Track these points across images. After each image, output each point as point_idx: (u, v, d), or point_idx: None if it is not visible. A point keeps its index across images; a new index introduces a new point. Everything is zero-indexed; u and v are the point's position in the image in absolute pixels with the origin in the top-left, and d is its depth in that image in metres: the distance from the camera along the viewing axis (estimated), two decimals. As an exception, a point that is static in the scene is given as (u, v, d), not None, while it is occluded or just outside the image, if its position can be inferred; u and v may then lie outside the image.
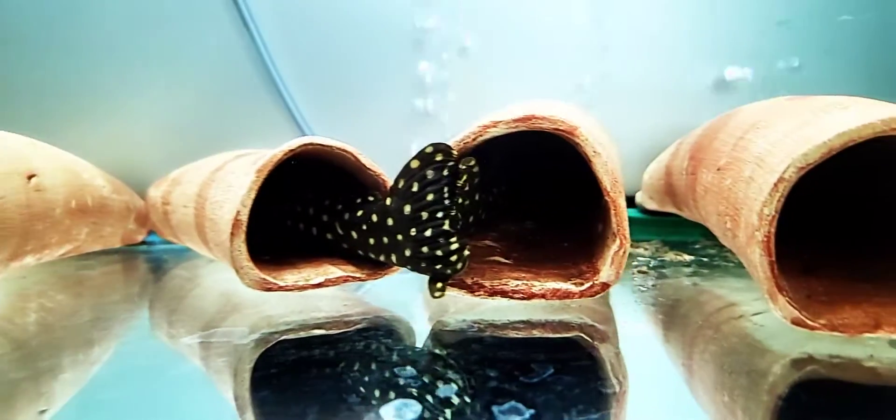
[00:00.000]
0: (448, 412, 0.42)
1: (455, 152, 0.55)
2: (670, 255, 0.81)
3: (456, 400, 0.44)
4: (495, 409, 0.42)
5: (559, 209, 0.78)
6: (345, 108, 0.98)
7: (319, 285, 0.60)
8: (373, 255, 0.60)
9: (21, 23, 0.94)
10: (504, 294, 0.58)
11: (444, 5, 0.97)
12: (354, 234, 0.60)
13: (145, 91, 0.97)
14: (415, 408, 0.42)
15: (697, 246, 0.86)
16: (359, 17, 0.96)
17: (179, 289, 0.76)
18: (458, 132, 0.58)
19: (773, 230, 0.48)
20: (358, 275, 0.61)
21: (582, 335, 0.57)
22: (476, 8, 0.97)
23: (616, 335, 0.58)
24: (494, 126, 0.56)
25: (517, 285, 0.58)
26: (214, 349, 0.58)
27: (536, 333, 0.56)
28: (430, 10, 0.97)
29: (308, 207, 0.64)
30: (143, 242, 0.89)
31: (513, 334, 0.56)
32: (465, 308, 0.63)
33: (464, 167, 0.56)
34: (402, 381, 0.47)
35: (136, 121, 0.97)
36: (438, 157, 0.54)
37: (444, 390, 0.45)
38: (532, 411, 0.42)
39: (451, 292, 0.59)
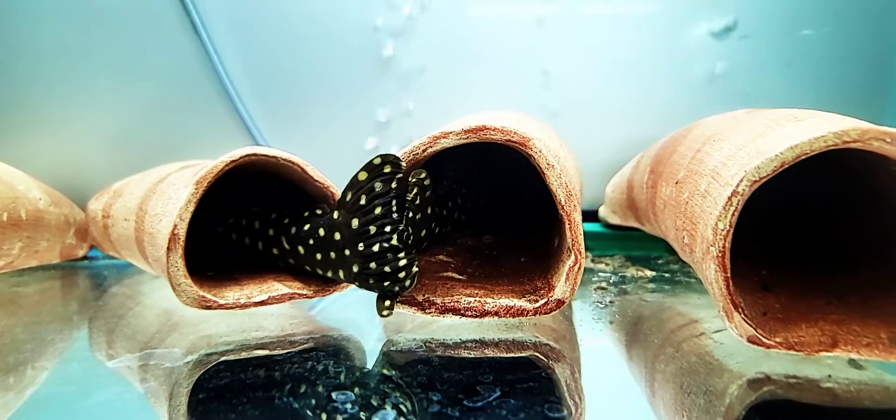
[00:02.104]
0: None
1: (404, 164, 0.53)
2: (632, 271, 0.80)
3: (399, 425, 0.42)
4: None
5: (519, 223, 0.76)
6: (300, 115, 0.96)
7: (263, 303, 0.57)
8: (320, 271, 0.58)
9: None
10: (456, 311, 0.56)
11: (401, 17, 0.95)
12: (301, 249, 0.58)
13: (89, 97, 0.93)
14: None
15: (660, 261, 0.85)
16: (314, 24, 0.93)
17: (119, 307, 0.72)
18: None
19: (727, 245, 0.47)
20: (305, 292, 0.59)
21: (536, 354, 0.55)
22: (433, 26, 0.96)
23: (573, 354, 0.57)
24: (445, 137, 0.54)
25: (469, 302, 0.56)
26: (151, 371, 0.55)
27: (488, 353, 0.54)
28: (389, 21, 0.95)
29: (253, 221, 0.61)
30: (85, 258, 0.86)
31: (464, 354, 0.54)
32: (419, 326, 0.61)
33: (414, 180, 0.54)
34: (341, 406, 0.45)
35: (80, 129, 0.93)
36: (386, 169, 0.53)
37: (383, 415, 0.43)
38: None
39: (402, 310, 0.57)
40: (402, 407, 0.45)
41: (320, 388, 0.48)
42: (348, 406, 0.44)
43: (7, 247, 0.69)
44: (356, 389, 0.47)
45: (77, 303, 0.76)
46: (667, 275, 0.79)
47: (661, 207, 0.66)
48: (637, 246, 0.92)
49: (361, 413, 0.43)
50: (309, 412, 0.44)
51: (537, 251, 0.67)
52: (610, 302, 0.68)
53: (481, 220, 0.76)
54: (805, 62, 0.97)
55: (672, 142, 0.71)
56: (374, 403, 0.45)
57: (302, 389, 0.48)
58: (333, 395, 0.46)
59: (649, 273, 0.79)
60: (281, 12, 0.92)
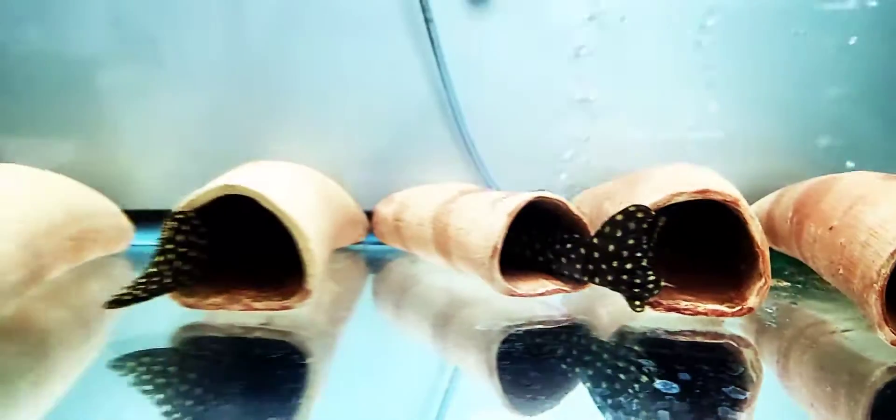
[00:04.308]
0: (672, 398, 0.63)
1: (653, 211, 0.75)
2: (773, 282, 0.99)
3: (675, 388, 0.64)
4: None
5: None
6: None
7: (543, 294, 0.80)
8: (577, 277, 0.80)
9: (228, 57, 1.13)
10: (677, 310, 0.77)
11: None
12: (563, 260, 0.81)
13: (344, 114, 1.15)
14: (671, 387, 0.63)
15: (787, 273, 1.05)
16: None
17: (400, 283, 0.97)
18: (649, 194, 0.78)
19: (885, 283, 0.68)
20: (565, 288, 0.82)
21: (730, 342, 0.77)
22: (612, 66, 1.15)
23: (749, 343, 0.78)
24: (679, 196, 0.75)
25: (686, 305, 0.77)
26: (454, 337, 0.79)
27: (699, 339, 0.76)
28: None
29: (534, 241, 0.84)
30: (359, 243, 1.11)
31: (684, 340, 0.76)
32: (629, 317, 0.81)
33: (660, 222, 0.76)
34: (641, 371, 0.67)
35: (343, 144, 1.16)
36: (639, 214, 0.74)
37: (667, 384, 0.65)
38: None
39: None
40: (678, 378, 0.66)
41: (606, 355, 0.71)
42: (651, 374, 0.67)
43: (345, 237, 0.95)
44: (652, 359, 0.70)
45: (366, 272, 1.01)
46: (799, 286, 0.98)
47: (810, 242, 0.86)
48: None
49: (658, 381, 0.65)
50: (606, 371, 0.67)
51: (714, 268, 0.88)
52: (767, 309, 0.88)
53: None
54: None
55: (816, 192, 0.90)
56: (650, 372, 0.67)
57: (592, 355, 0.71)
58: (621, 362, 0.69)
59: (784, 283, 0.99)
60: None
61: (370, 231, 1.08)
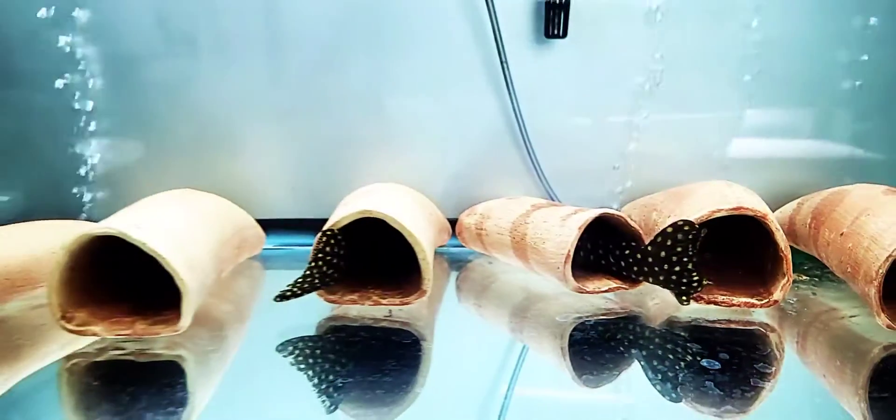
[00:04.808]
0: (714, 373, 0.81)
1: (697, 225, 0.93)
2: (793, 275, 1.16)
3: (717, 365, 0.82)
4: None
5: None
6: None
7: (606, 290, 0.99)
8: (634, 277, 0.98)
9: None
10: (716, 303, 0.95)
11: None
12: (623, 263, 0.99)
13: (431, 139, 1.30)
14: (713, 364, 0.81)
15: (806, 268, 1.22)
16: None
17: (481, 281, 1.16)
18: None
19: (882, 280, 0.85)
20: (624, 286, 1.00)
21: (759, 328, 0.95)
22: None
23: (773, 328, 0.96)
24: (719, 211, 0.93)
25: (723, 298, 0.95)
26: (531, 326, 0.98)
27: (733, 326, 0.94)
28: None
29: (597, 248, 1.02)
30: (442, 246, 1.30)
31: (722, 326, 0.94)
32: (674, 307, 1.00)
33: (702, 233, 0.93)
34: (687, 352, 0.86)
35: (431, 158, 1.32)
36: (686, 227, 0.92)
37: (706, 363, 0.83)
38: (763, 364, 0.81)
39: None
40: (718, 357, 0.84)
41: (661, 338, 0.89)
42: (698, 357, 0.85)
43: (434, 240, 1.14)
44: (696, 343, 0.88)
45: (449, 271, 1.20)
46: (815, 279, 1.15)
47: (825, 245, 1.03)
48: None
49: (704, 360, 0.83)
50: (672, 355, 0.85)
51: (744, 268, 1.05)
52: (789, 301, 1.06)
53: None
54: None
55: (830, 202, 1.07)
56: (703, 352, 0.85)
57: (647, 338, 0.90)
58: (680, 345, 0.88)
59: (803, 277, 1.16)
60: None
61: (453, 236, 1.28)
